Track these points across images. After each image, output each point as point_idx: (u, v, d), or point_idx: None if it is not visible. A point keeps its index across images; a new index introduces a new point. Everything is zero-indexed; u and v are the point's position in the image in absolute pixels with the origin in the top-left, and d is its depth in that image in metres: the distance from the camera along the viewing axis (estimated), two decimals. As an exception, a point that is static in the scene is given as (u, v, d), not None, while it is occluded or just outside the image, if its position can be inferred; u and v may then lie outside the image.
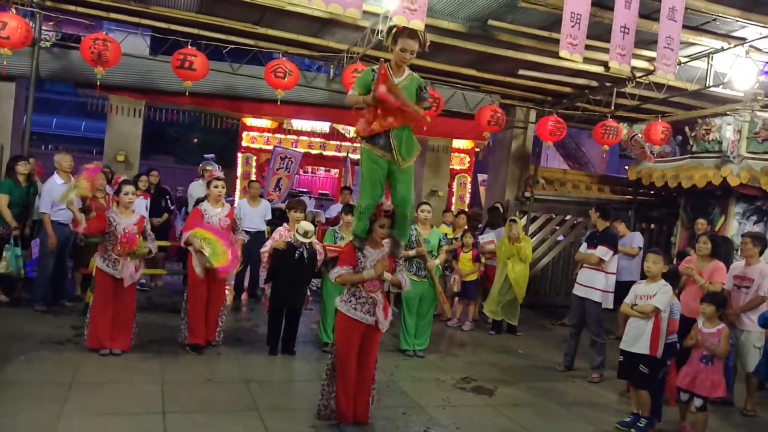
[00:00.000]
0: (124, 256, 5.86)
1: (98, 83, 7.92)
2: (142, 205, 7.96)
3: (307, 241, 6.27)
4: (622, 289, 7.16)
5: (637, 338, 5.34)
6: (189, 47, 7.74)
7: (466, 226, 9.19)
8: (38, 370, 5.38)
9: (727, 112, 8.91)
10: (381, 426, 4.80)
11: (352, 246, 4.67)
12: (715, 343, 5.15)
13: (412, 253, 6.94)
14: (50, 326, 6.65)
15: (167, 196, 9.30)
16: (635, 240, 8.77)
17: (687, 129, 9.51)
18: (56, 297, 7.48)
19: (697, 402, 5.15)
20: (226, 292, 7.05)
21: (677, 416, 5.41)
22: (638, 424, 5.31)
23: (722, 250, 6.54)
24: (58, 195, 7.08)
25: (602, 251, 6.73)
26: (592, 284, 6.77)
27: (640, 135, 9.78)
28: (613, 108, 9.24)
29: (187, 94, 8.05)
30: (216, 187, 6.37)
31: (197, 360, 6.09)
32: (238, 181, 13.69)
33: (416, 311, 7.02)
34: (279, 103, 8.14)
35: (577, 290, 6.96)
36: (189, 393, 5.21)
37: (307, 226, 6.29)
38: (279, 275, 6.36)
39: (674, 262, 7.14)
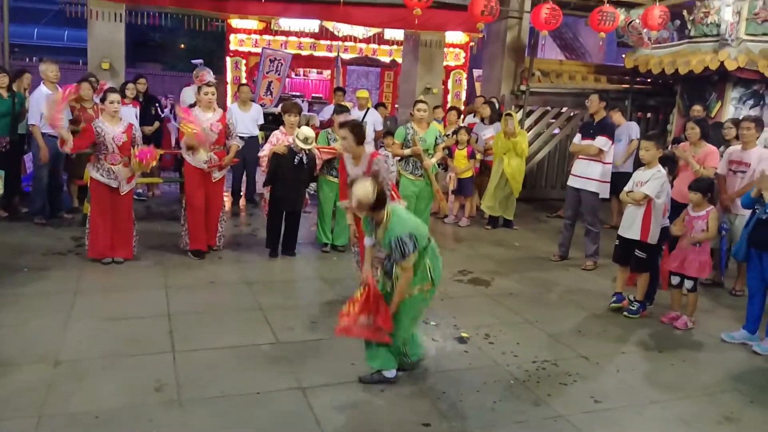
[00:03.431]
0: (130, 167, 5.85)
1: (74, -14, 7.62)
2: (131, 114, 7.85)
3: (307, 147, 6.24)
4: (616, 179, 7.23)
5: (630, 224, 5.46)
6: (165, -58, 7.38)
7: (459, 122, 9.11)
8: (42, 280, 5.49)
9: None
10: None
11: None
12: (704, 226, 5.24)
13: (407, 152, 6.92)
14: (51, 238, 6.74)
15: (157, 104, 9.15)
16: (632, 130, 8.69)
17: (685, 13, 9.22)
18: (54, 209, 7.51)
19: (688, 284, 5.31)
20: (225, 198, 7.08)
21: (668, 300, 5.57)
22: (631, 307, 5.50)
23: (711, 132, 6.52)
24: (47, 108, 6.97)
25: (602, 142, 6.65)
26: (589, 175, 6.76)
27: (637, 20, 9.49)
28: (610, -8, 8.91)
29: (167, -6, 7.75)
30: (206, 93, 6.27)
31: (199, 265, 6.21)
32: (228, 87, 13.46)
33: (414, 209, 7.07)
34: (263, 0, 7.83)
35: (573, 182, 6.97)
36: (193, 296, 5.35)
37: (307, 132, 6.23)
38: (278, 179, 6.37)
39: (669, 149, 7.13)
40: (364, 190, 3.71)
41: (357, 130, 5.17)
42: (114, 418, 3.41)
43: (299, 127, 6.43)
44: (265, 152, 6.49)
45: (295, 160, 6.30)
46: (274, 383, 3.91)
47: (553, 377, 4.24)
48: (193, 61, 12.65)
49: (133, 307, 5.01)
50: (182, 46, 25.25)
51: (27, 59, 20.38)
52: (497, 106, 9.71)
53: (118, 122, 5.92)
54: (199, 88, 6.41)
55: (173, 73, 22.50)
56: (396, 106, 14.11)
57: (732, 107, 8.77)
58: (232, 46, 13.74)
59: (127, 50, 9.48)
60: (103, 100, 5.98)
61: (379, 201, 3.76)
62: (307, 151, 6.30)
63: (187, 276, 5.86)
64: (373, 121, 8.94)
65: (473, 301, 5.70)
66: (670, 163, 5.84)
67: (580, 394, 4.04)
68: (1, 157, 6.93)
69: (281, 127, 6.63)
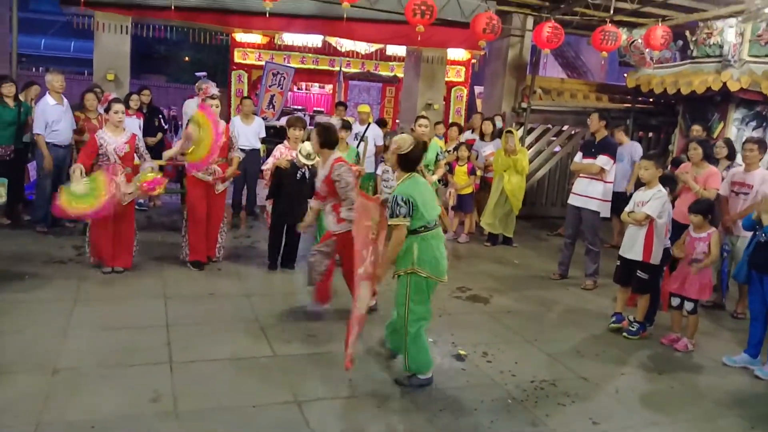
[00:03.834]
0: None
1: (82, -1, 7.70)
2: (135, 125, 7.88)
3: (310, 162, 6.23)
4: (617, 199, 7.25)
5: (632, 245, 5.44)
6: (171, -43, 7.45)
7: (459, 139, 9.14)
8: (43, 288, 5.49)
9: (731, 14, 8.67)
10: (378, 334, 4.94)
11: None
12: (705, 248, 5.23)
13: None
14: (52, 246, 6.75)
15: (160, 116, 9.20)
16: (635, 152, 8.66)
17: (688, 33, 9.27)
18: (56, 218, 7.52)
19: (688, 306, 5.28)
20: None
21: (668, 321, 5.55)
22: (630, 327, 5.47)
23: (713, 152, 6.51)
24: (52, 115, 7.01)
25: (604, 161, 6.65)
26: (590, 194, 6.75)
27: (639, 40, 9.53)
28: (612, 12, 8.98)
29: (173, 8, 7.82)
30: (210, 106, 6.31)
31: (199, 276, 6.21)
32: (231, 99, 13.53)
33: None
34: (268, 15, 7.89)
35: (574, 200, 6.96)
36: (192, 307, 5.34)
37: (309, 147, 6.21)
38: (281, 193, 6.38)
39: (669, 170, 7.14)
40: (403, 139, 4.06)
41: (323, 132, 5.11)
42: (110, 428, 3.39)
43: (303, 142, 6.43)
44: (268, 166, 6.50)
45: (298, 175, 6.30)
46: (271, 396, 3.90)
47: (551, 397, 4.21)
48: (197, 74, 12.75)
49: (131, 317, 5.01)
50: (187, 58, 25.44)
51: (34, 69, 20.50)
52: (501, 122, 9.75)
53: (121, 133, 5.94)
54: (203, 100, 6.45)
55: (177, 85, 22.63)
56: (397, 121, 14.17)
57: (734, 128, 8.79)
58: (236, 60, 13.85)
59: (132, 62, 9.55)
60: (107, 110, 6.02)
61: (408, 159, 4.02)
62: (309, 166, 6.30)
63: (186, 287, 5.86)
64: (374, 135, 8.96)
65: (471, 319, 5.69)
66: (671, 183, 5.85)
67: (579, 415, 4.02)
68: (5, 166, 6.96)
69: (285, 141, 6.64)
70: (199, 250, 6.36)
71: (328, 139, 5.12)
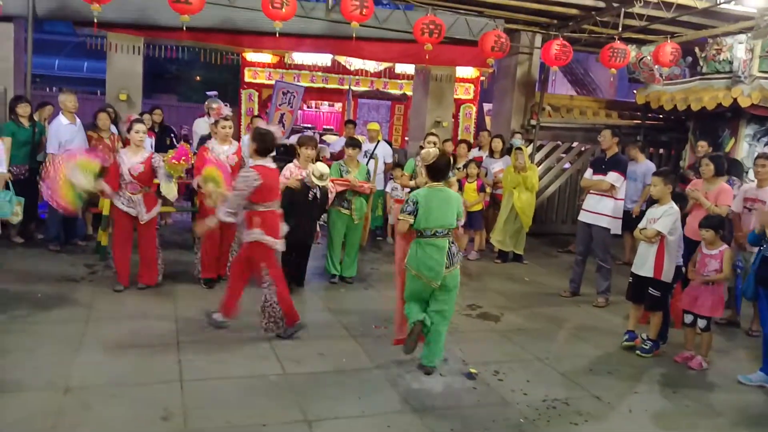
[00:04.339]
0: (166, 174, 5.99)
1: (95, 21, 7.80)
2: (147, 144, 7.93)
3: (322, 184, 6.21)
4: (628, 216, 7.21)
5: (644, 261, 5.41)
6: (184, -21, 7.53)
7: (468, 156, 9.15)
8: (55, 307, 5.52)
9: (740, 31, 8.67)
10: (392, 349, 4.92)
11: None
12: (717, 265, 5.19)
13: (412, 183, 6.93)
14: (65, 265, 6.79)
15: (172, 135, 9.27)
16: (648, 173, 8.56)
17: (697, 50, 9.28)
18: (69, 237, 7.60)
19: (701, 323, 5.23)
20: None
21: (682, 339, 5.49)
22: (643, 345, 5.42)
23: (724, 168, 6.46)
24: (65, 135, 7.08)
25: (614, 177, 6.65)
26: (601, 210, 6.74)
27: (648, 57, 9.55)
28: (620, 29, 9.01)
29: (185, 29, 7.90)
30: (224, 127, 6.38)
31: (210, 293, 6.22)
32: (242, 118, 13.62)
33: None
34: (278, 35, 7.97)
35: (584, 217, 6.94)
36: (203, 325, 5.33)
37: (323, 168, 6.18)
38: (291, 212, 6.36)
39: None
40: (427, 152, 4.59)
41: (258, 137, 5.04)
42: (120, 449, 3.39)
43: (314, 162, 6.41)
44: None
45: (309, 196, 6.28)
46: (281, 415, 3.89)
47: (563, 416, 4.17)
48: (207, 93, 12.85)
49: (143, 335, 5.02)
50: (198, 78, 25.65)
51: (48, 89, 20.74)
52: (520, 140, 9.74)
53: (139, 152, 6.00)
54: (217, 121, 6.50)
55: (188, 104, 22.78)
56: (406, 138, 14.21)
57: (746, 144, 8.74)
58: (247, 79, 13.95)
59: (144, 82, 9.65)
60: (129, 130, 6.09)
61: (434, 169, 4.51)
62: (321, 187, 6.29)
63: (198, 305, 5.85)
64: (384, 153, 8.99)
65: (482, 337, 5.66)
66: (681, 199, 5.83)
67: (591, 433, 3.98)
68: (20, 185, 7.01)
69: (294, 161, 6.62)
70: (210, 268, 6.39)
71: (263, 145, 5.07)
